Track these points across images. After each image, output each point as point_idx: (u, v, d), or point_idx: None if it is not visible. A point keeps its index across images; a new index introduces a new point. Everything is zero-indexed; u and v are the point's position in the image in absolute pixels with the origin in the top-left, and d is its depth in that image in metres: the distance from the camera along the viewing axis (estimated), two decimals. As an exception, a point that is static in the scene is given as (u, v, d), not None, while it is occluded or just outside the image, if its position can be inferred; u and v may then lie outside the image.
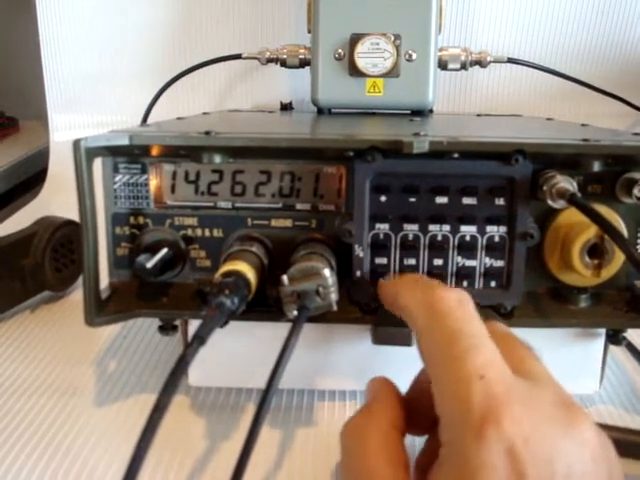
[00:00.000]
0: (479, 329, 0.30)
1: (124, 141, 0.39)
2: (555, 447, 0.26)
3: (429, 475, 0.28)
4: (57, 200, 0.90)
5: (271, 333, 0.39)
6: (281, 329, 0.35)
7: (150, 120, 0.86)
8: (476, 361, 0.28)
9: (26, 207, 0.91)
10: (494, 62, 0.77)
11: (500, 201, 0.40)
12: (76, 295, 0.64)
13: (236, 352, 0.46)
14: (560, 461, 0.25)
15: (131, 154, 0.42)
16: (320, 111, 0.72)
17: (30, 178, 1.03)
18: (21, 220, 0.70)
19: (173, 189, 0.43)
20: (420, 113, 0.70)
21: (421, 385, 0.35)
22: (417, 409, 0.34)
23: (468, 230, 0.41)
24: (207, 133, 0.40)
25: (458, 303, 0.31)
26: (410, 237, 0.41)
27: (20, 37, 1.16)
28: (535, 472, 0.25)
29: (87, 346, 0.55)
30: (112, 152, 0.41)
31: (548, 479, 0.25)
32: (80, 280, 0.64)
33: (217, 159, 0.39)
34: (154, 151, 0.41)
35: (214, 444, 0.43)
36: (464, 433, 0.26)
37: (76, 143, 0.38)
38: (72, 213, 0.59)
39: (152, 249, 0.41)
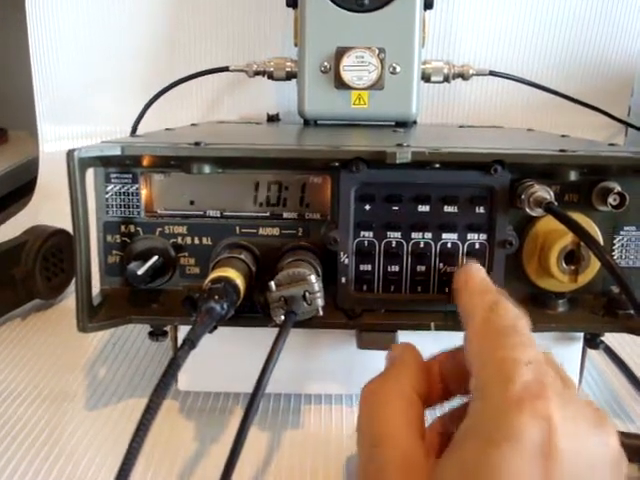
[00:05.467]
0: (531, 335, 0.31)
1: (116, 151, 0.41)
2: (583, 442, 0.27)
3: (455, 433, 0.29)
4: (46, 210, 0.91)
5: (258, 338, 0.40)
6: (268, 334, 0.36)
7: (138, 131, 0.87)
8: (526, 352, 0.29)
9: (15, 217, 0.92)
10: (476, 75, 0.79)
11: (480, 209, 0.41)
12: (66, 303, 0.65)
13: (224, 357, 0.47)
14: (585, 455, 0.26)
15: (123, 164, 0.43)
16: (306, 122, 0.73)
17: (19, 188, 1.03)
18: (10, 230, 0.70)
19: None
20: (404, 124, 0.72)
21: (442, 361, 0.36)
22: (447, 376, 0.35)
23: (449, 237, 0.42)
24: (197, 144, 0.41)
25: (516, 313, 0.32)
26: (393, 244, 0.42)
27: (9, 48, 1.17)
28: (560, 458, 0.25)
29: (77, 353, 0.55)
30: (104, 162, 0.42)
31: (573, 470, 0.26)
32: (70, 288, 0.65)
33: (206, 169, 0.41)
34: (145, 161, 0.42)
35: (203, 447, 0.43)
36: (502, 401, 0.27)
37: (70, 153, 0.39)
38: (61, 223, 0.61)
39: (143, 257, 0.42)
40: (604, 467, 0.27)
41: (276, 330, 0.37)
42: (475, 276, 0.37)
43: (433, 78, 0.76)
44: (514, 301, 0.33)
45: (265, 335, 0.37)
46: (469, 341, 0.32)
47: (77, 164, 0.39)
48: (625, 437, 0.42)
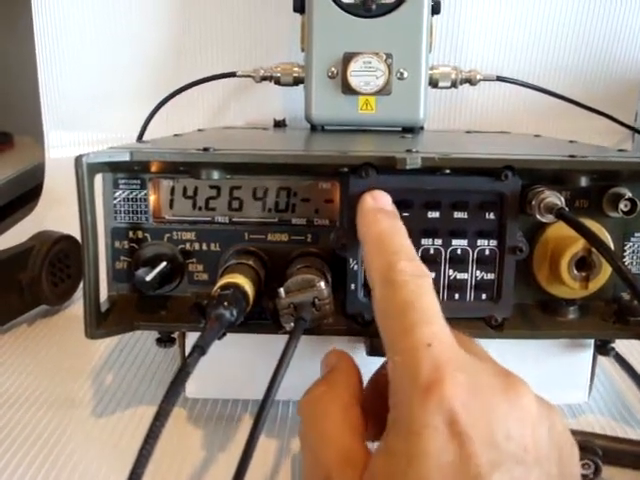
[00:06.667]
0: (431, 304, 0.31)
1: (125, 157, 0.40)
2: (494, 411, 0.27)
3: (380, 441, 0.30)
4: (52, 216, 0.91)
5: (266, 344, 0.40)
6: (276, 340, 0.36)
7: (145, 137, 0.87)
8: (425, 331, 0.29)
9: (21, 223, 0.92)
10: (483, 80, 0.79)
11: (490, 215, 0.41)
12: (72, 309, 0.65)
13: (232, 364, 0.47)
14: (500, 424, 0.27)
15: (131, 170, 0.43)
16: (313, 128, 0.73)
17: (24, 194, 1.03)
18: (16, 236, 0.70)
19: (171, 204, 0.44)
20: (411, 130, 0.72)
21: (377, 383, 0.36)
22: (374, 406, 0.35)
23: (459, 244, 0.42)
24: (206, 149, 0.41)
25: (414, 277, 0.32)
26: (403, 251, 0.42)
27: (15, 53, 1.17)
28: (475, 434, 0.26)
29: (84, 359, 0.55)
30: (112, 168, 0.42)
31: (489, 441, 0.26)
32: (76, 295, 0.65)
33: (215, 175, 0.40)
34: (153, 167, 0.42)
35: (211, 455, 0.43)
36: (411, 397, 0.28)
37: (78, 159, 0.39)
38: (67, 229, 0.61)
39: (151, 263, 0.42)
40: (523, 429, 0.27)
41: (284, 336, 0.36)
42: (372, 227, 0.36)
43: (441, 84, 0.76)
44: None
45: (273, 341, 0.37)
46: (376, 318, 0.33)
47: (85, 170, 0.39)
48: (633, 445, 0.42)
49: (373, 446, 0.32)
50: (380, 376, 0.37)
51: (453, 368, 0.28)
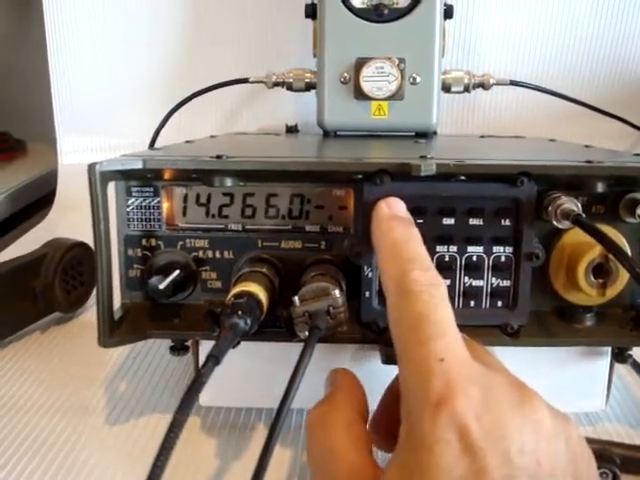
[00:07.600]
0: (445, 315, 0.31)
1: (137, 165, 0.40)
2: (508, 425, 0.27)
3: (393, 454, 0.29)
4: (65, 222, 0.91)
5: (280, 353, 0.40)
6: (290, 348, 0.36)
7: (157, 143, 0.87)
8: (438, 344, 0.29)
9: (34, 229, 0.92)
10: (497, 84, 0.78)
11: (506, 222, 0.41)
12: (85, 316, 0.65)
13: (246, 372, 0.46)
14: (513, 438, 0.26)
15: (144, 178, 0.42)
16: (326, 134, 0.73)
17: (38, 201, 1.04)
18: (29, 242, 0.70)
19: (184, 212, 0.43)
20: (424, 135, 0.71)
21: (390, 398, 0.36)
22: (391, 415, 0.35)
23: (475, 251, 0.41)
24: (219, 157, 0.41)
25: (429, 287, 0.32)
26: (418, 258, 0.41)
27: (28, 60, 1.17)
28: (488, 448, 0.26)
29: (97, 367, 0.55)
30: (125, 176, 0.42)
31: (502, 455, 0.26)
32: (89, 302, 0.65)
33: (228, 182, 0.40)
34: (166, 175, 0.42)
35: (225, 464, 0.43)
36: (422, 411, 0.27)
37: (91, 167, 0.39)
38: (80, 235, 0.61)
39: (164, 271, 0.42)
40: (537, 443, 0.27)
41: (298, 344, 0.36)
42: (386, 235, 0.36)
43: (453, 88, 0.75)
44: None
45: (286, 349, 0.37)
46: (390, 325, 0.33)
47: (98, 178, 0.39)
48: (628, 450, 0.41)
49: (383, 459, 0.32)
50: (396, 385, 0.36)
51: (465, 381, 0.28)
